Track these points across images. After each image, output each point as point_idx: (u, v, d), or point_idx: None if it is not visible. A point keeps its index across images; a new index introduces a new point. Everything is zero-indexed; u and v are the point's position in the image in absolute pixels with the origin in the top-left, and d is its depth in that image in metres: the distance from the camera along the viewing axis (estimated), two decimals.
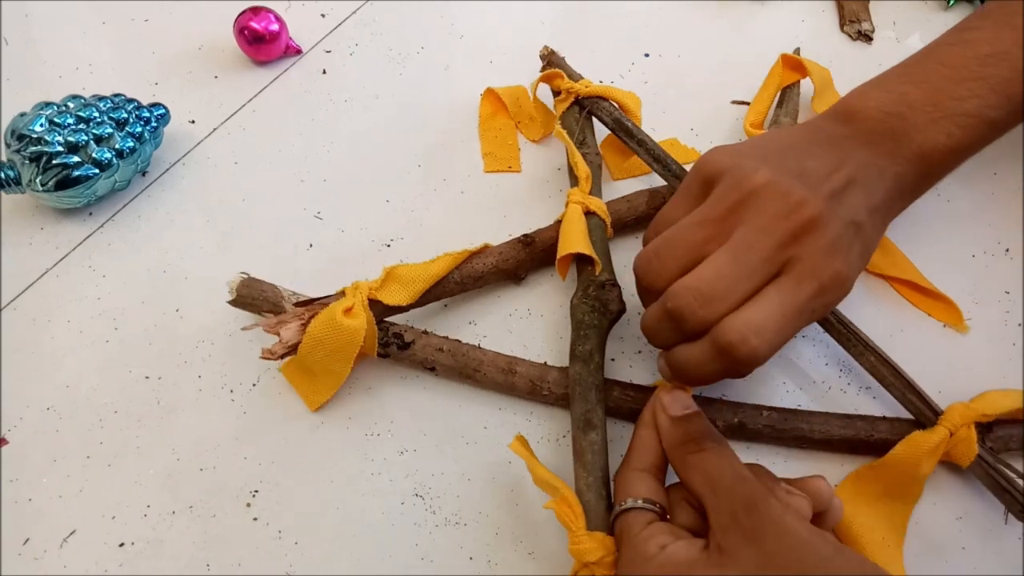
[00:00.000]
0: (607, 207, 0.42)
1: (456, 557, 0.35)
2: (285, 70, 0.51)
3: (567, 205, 0.41)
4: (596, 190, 0.43)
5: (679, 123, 0.49)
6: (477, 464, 0.37)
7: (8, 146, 0.41)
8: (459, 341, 0.38)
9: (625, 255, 0.43)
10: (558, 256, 0.39)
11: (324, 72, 0.51)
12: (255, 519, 0.35)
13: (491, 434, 0.38)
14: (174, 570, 0.34)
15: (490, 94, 0.49)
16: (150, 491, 0.36)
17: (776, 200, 0.31)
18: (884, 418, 0.37)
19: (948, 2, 0.56)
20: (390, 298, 0.37)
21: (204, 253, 0.43)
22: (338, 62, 0.52)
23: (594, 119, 0.45)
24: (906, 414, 0.37)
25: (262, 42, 0.49)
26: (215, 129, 0.48)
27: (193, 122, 0.48)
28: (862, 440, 0.37)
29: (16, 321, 0.40)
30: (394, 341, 0.38)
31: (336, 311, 0.36)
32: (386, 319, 0.38)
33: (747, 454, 0.37)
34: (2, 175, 0.40)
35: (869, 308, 0.42)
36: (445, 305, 0.42)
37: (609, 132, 0.45)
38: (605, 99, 0.45)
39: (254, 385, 0.39)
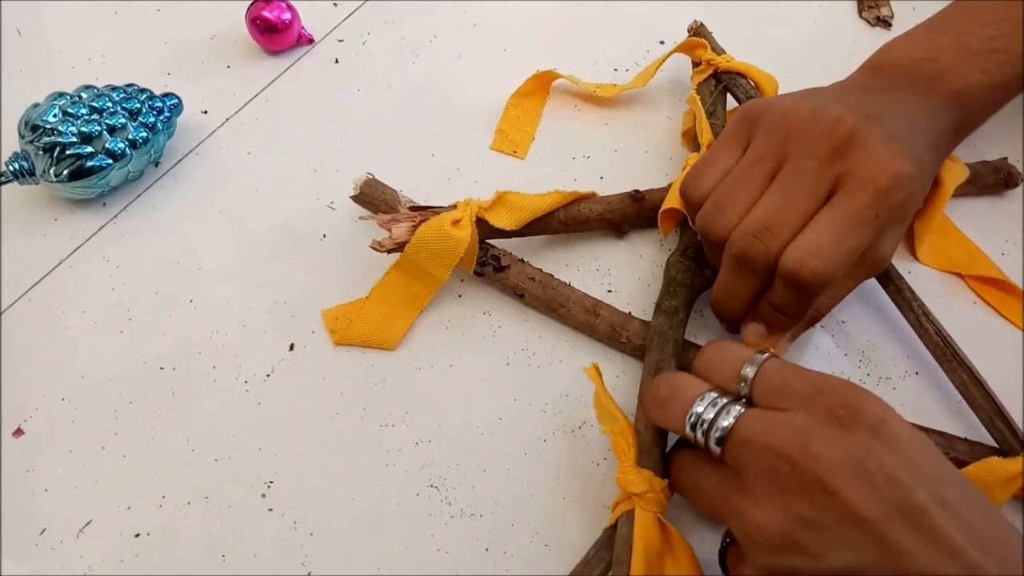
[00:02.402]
0: None
1: (471, 548, 0.34)
2: (297, 59, 0.51)
3: (684, 168, 0.41)
4: None
5: None
6: (492, 455, 0.37)
7: (22, 137, 0.41)
8: (551, 275, 0.40)
9: None
10: (662, 208, 0.39)
11: (336, 61, 0.51)
12: (270, 510, 0.35)
13: (506, 425, 0.37)
14: (189, 560, 0.34)
15: (545, 75, 0.48)
16: (165, 482, 0.36)
17: (815, 124, 0.32)
18: (965, 440, 0.36)
19: None
20: (496, 220, 0.39)
21: (217, 243, 0.43)
22: (350, 51, 0.51)
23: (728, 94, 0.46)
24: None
25: (274, 31, 0.49)
26: (228, 119, 0.48)
27: (206, 112, 0.48)
28: None
29: (31, 312, 0.40)
30: (491, 262, 0.40)
31: (445, 220, 0.38)
32: (488, 240, 0.40)
33: None
34: (16, 166, 0.40)
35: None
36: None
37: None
38: (743, 76, 0.45)
39: (268, 376, 0.39)
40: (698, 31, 0.48)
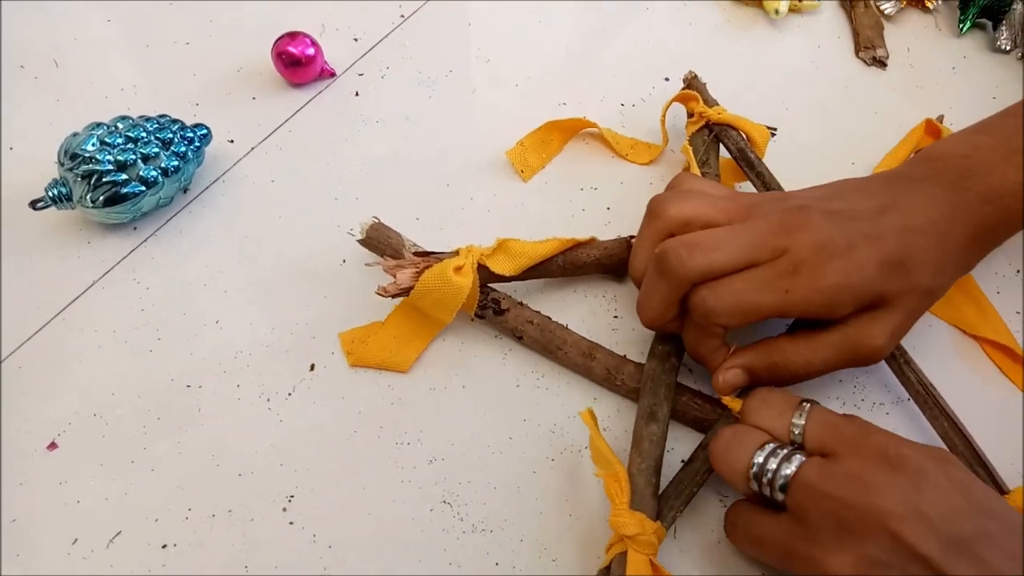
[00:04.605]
0: None
1: (483, 563, 0.36)
2: (320, 92, 0.53)
3: None
4: None
5: None
6: (503, 473, 0.38)
7: (61, 164, 0.43)
8: (549, 318, 0.41)
9: None
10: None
11: (357, 94, 0.53)
12: (291, 523, 0.37)
13: (516, 444, 0.39)
14: (214, 571, 0.36)
15: (586, 123, 0.50)
16: (191, 495, 0.38)
17: (778, 202, 0.36)
18: None
19: (961, 29, 0.57)
20: (497, 266, 0.40)
21: (242, 267, 0.45)
22: (370, 85, 0.54)
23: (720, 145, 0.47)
24: None
25: (298, 65, 0.51)
26: (253, 149, 0.50)
27: (232, 141, 0.50)
28: None
29: (65, 331, 0.42)
30: (492, 305, 0.41)
31: (448, 267, 0.39)
32: (489, 284, 0.41)
33: None
34: (55, 192, 0.43)
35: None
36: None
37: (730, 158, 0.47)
38: (734, 128, 0.46)
39: (290, 395, 0.41)
40: (691, 83, 0.49)
